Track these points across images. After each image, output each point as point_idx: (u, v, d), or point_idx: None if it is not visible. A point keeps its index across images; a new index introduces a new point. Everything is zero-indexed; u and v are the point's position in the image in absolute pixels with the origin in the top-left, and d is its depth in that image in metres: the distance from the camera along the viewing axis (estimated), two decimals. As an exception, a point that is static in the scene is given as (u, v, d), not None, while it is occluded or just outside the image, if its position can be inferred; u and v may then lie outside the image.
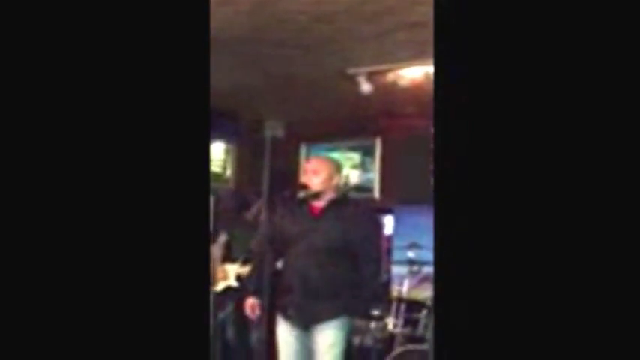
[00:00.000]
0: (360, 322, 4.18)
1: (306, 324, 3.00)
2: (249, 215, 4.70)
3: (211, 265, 4.66)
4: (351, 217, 3.05)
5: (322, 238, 2.98)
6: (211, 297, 4.41)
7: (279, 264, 3.26)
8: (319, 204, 3.08)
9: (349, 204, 3.19)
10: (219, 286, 4.57)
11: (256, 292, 3.10)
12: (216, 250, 4.70)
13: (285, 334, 3.05)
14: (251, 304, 3.14)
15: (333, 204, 3.07)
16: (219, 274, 4.61)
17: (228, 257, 4.66)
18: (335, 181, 3.10)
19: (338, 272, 2.97)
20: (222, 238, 4.73)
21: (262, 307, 3.06)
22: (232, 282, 4.53)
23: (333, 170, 3.12)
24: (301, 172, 3.16)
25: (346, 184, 5.76)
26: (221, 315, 4.56)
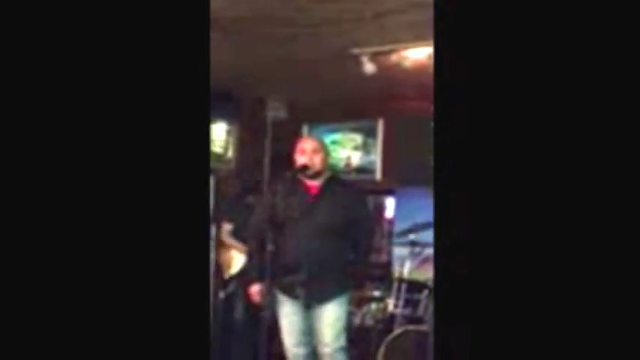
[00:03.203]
0: (360, 302, 4.23)
1: (314, 303, 3.03)
2: (252, 199, 4.69)
3: (220, 252, 4.71)
4: (346, 194, 3.17)
5: (322, 216, 3.03)
6: (212, 281, 4.42)
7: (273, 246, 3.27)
8: (315, 183, 3.12)
9: (342, 182, 3.36)
10: (231, 271, 4.60)
11: (260, 278, 3.09)
12: (223, 238, 4.73)
13: (290, 314, 3.08)
14: (256, 291, 3.15)
15: (330, 182, 3.17)
16: (229, 261, 4.64)
17: (234, 244, 4.67)
18: (328, 160, 3.25)
19: (339, 249, 3.03)
20: (227, 227, 4.74)
21: (267, 291, 3.06)
22: (242, 263, 4.54)
23: (326, 150, 3.28)
24: (297, 152, 3.14)
25: (348, 165, 5.75)
26: (222, 295, 4.57)
